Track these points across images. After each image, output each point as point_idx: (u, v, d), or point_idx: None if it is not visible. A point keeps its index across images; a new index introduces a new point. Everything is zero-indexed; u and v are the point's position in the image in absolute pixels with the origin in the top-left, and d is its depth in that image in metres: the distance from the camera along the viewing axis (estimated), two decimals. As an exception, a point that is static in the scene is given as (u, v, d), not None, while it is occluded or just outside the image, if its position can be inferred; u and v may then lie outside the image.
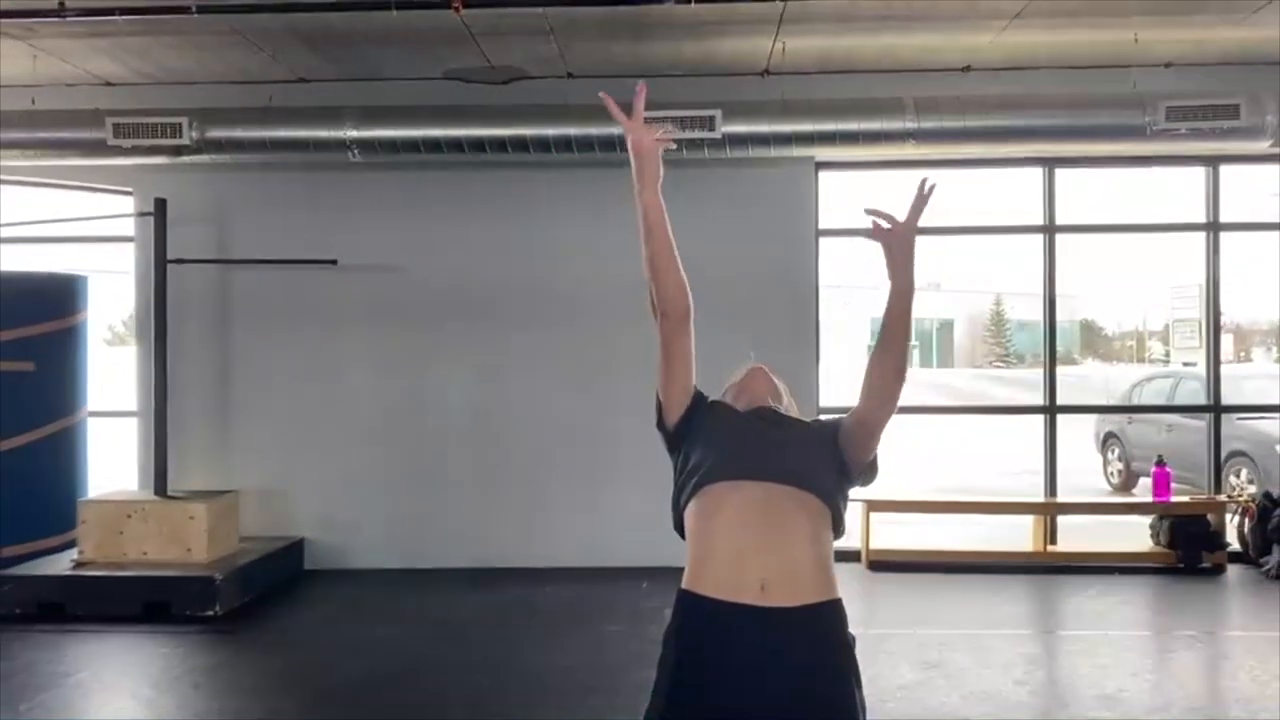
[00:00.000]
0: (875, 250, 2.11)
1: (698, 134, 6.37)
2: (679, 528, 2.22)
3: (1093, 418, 12.74)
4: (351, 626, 6.08)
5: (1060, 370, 7.73)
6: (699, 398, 2.30)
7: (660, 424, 2.31)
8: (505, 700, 4.66)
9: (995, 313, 37.57)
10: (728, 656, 1.99)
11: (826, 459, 2.21)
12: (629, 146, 2.18)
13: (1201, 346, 13.44)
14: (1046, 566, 7.18)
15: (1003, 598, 6.55)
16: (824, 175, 7.37)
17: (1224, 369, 8.05)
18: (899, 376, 2.13)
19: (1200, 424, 9.65)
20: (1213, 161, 7.35)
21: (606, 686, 4.78)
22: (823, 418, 2.41)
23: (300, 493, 7.39)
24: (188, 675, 5.06)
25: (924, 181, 2.09)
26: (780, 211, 7.23)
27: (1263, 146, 6.54)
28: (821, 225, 7.39)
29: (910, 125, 6.42)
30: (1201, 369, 11.98)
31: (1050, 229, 7.49)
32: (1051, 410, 7.59)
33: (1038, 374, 8.02)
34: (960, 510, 8.19)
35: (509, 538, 7.25)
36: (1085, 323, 35.98)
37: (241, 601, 6.29)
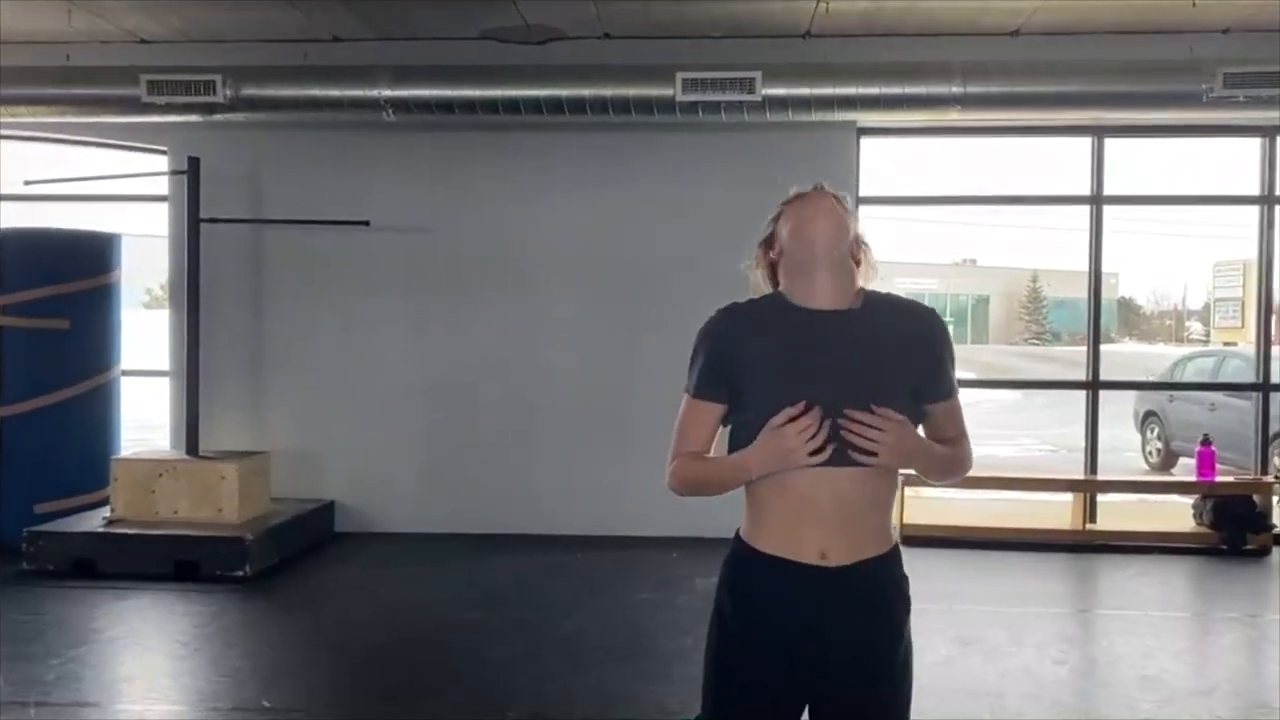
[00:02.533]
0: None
1: (737, 96, 6.23)
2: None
3: (1131, 396, 12.52)
4: (381, 589, 6.07)
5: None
6: (732, 390, 2.01)
7: None
8: (535, 666, 4.61)
9: (1032, 289, 37.16)
10: (783, 601, 1.97)
11: (903, 408, 1.97)
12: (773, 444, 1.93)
13: (1242, 325, 13.12)
14: (1085, 545, 7.04)
15: (1040, 575, 6.44)
16: (866, 141, 7.20)
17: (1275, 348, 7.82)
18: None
19: (1244, 404, 9.44)
20: (1270, 132, 7.12)
21: (637, 655, 4.72)
22: (927, 334, 2.05)
23: (332, 454, 7.38)
24: (218, 634, 5.06)
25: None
26: (820, 177, 7.04)
27: (1323, 116, 6.32)
28: (862, 193, 7.24)
29: (956, 90, 6.24)
30: (1248, 347, 11.75)
31: (1098, 199, 7.29)
32: (1094, 386, 7.43)
33: (1073, 351, 7.86)
34: (999, 486, 8.04)
35: (541, 504, 7.20)
36: (1123, 301, 35.52)
37: (271, 562, 6.28)
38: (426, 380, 7.35)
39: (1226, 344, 14.70)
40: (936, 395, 2.05)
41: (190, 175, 6.80)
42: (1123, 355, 21.50)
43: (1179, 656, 4.93)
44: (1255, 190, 7.31)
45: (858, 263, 2.05)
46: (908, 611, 2.06)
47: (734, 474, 2.00)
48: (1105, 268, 7.48)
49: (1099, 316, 7.53)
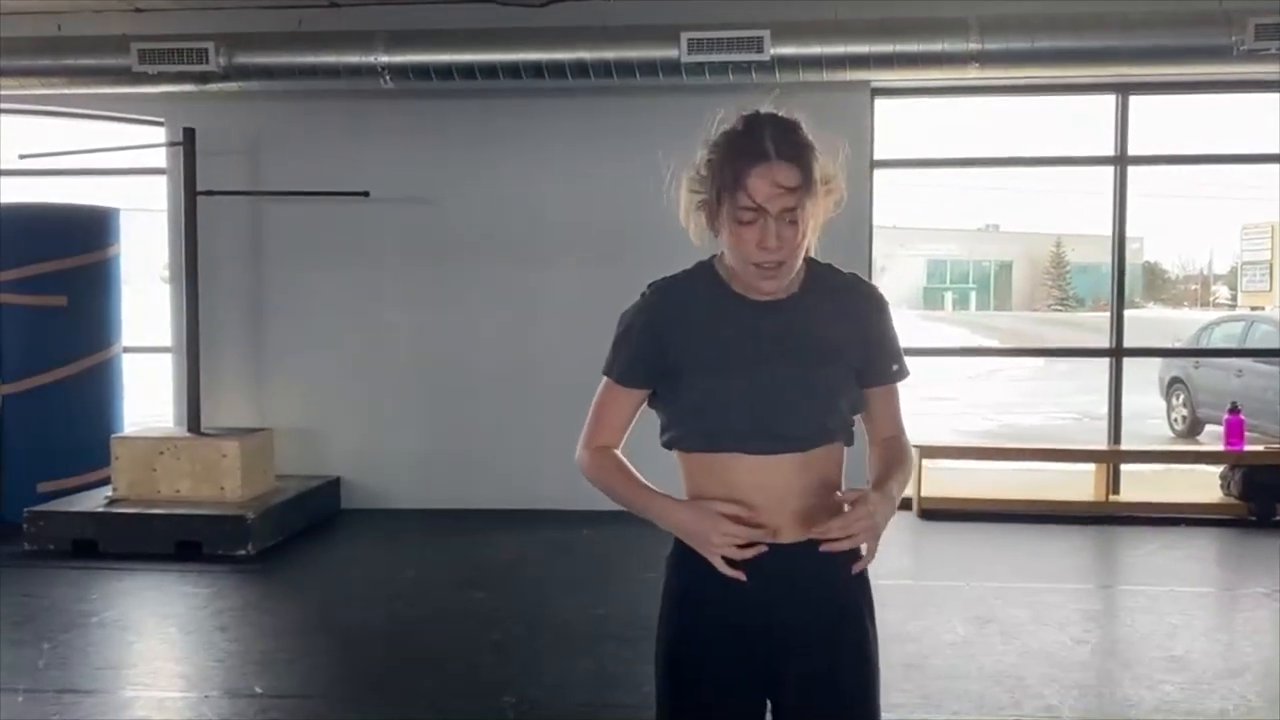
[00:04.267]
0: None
1: (745, 56, 6.01)
2: (666, 445, 1.95)
3: (1156, 362, 12.24)
4: (384, 568, 5.95)
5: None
6: (663, 377, 1.90)
7: None
8: (534, 649, 4.48)
9: (1055, 255, 36.74)
10: (734, 582, 1.80)
11: (845, 388, 1.89)
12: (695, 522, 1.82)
13: (1271, 288, 12.80)
14: (1108, 517, 6.84)
15: (1061, 549, 6.24)
16: (880, 102, 6.95)
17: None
18: None
19: (1273, 370, 9.20)
20: (1302, 86, 6.83)
21: (639, 638, 4.54)
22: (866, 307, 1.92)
23: (337, 430, 7.26)
24: (214, 616, 4.95)
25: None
26: (833, 141, 6.83)
27: (1360, 68, 6.03)
28: (878, 155, 7.01)
29: (974, 46, 5.99)
30: (1277, 312, 11.47)
31: (1122, 159, 7.02)
32: (1118, 353, 7.20)
33: (1096, 317, 7.64)
34: (1019, 457, 7.84)
35: (547, 478, 7.02)
36: (1148, 265, 35.04)
37: (274, 541, 6.18)
38: (432, 353, 7.20)
39: (1254, 308, 14.40)
40: (876, 380, 1.93)
41: (186, 147, 6.65)
42: (1148, 321, 21.16)
43: (1206, 635, 4.74)
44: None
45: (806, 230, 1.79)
46: (868, 588, 1.92)
47: (645, 511, 1.88)
48: (1130, 232, 7.24)
49: (1123, 281, 7.28)
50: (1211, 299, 32.79)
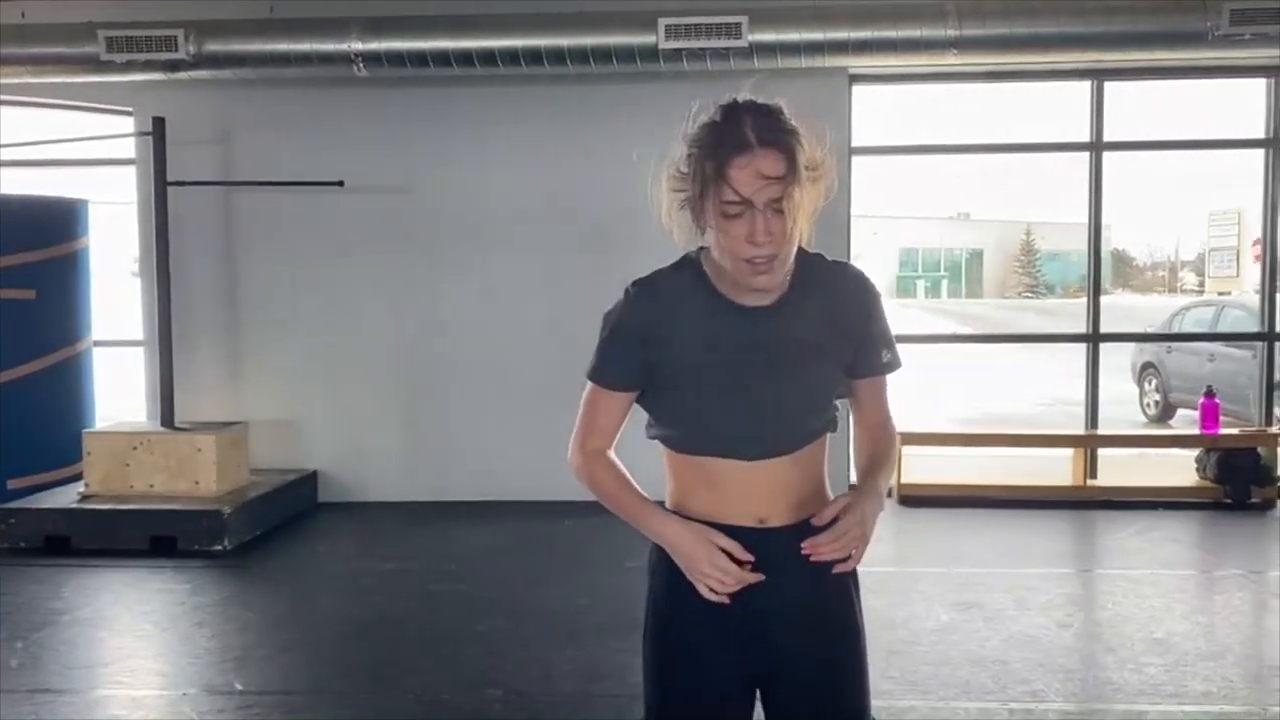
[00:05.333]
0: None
1: (723, 43, 5.98)
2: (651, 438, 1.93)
3: (1126, 349, 12.35)
4: (363, 562, 5.88)
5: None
6: (651, 377, 1.87)
7: None
8: (519, 641, 4.45)
9: (1025, 243, 37.07)
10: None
11: (834, 387, 1.90)
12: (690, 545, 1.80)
13: (1238, 274, 12.98)
14: (1086, 501, 6.88)
15: (1041, 534, 6.28)
16: (858, 89, 6.94)
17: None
18: None
19: (1243, 354, 9.29)
20: (1275, 72, 6.87)
21: (625, 627, 4.53)
22: (856, 288, 1.88)
23: (314, 424, 7.17)
24: (191, 612, 4.88)
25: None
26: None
27: (1334, 53, 6.08)
28: (855, 143, 6.99)
29: (952, 33, 5.99)
30: (1243, 296, 11.59)
31: (1097, 146, 7.05)
32: (1094, 339, 7.23)
33: (1066, 304, 7.68)
34: (998, 443, 7.88)
35: (528, 469, 6.99)
36: (1116, 253, 35.40)
37: (251, 536, 6.11)
38: (408, 345, 7.14)
39: (1221, 294, 14.55)
40: (865, 372, 1.93)
41: (156, 137, 6.53)
42: (1118, 307, 21.33)
43: (1187, 617, 4.77)
44: (1260, 134, 7.08)
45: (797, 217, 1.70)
46: (855, 582, 1.92)
47: (638, 520, 1.86)
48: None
49: (1099, 268, 7.33)
50: (1179, 285, 33.18)
